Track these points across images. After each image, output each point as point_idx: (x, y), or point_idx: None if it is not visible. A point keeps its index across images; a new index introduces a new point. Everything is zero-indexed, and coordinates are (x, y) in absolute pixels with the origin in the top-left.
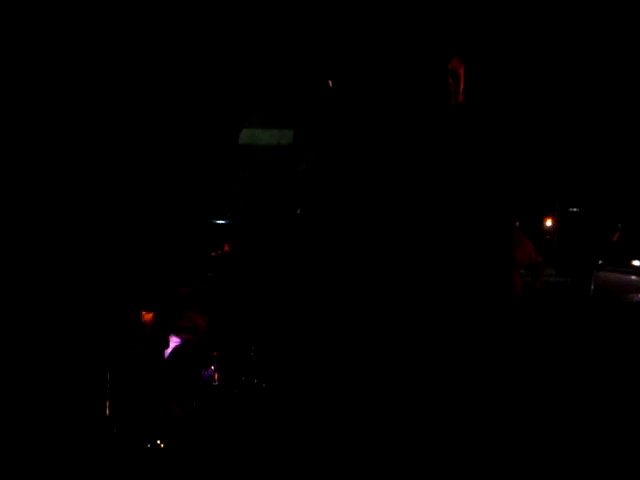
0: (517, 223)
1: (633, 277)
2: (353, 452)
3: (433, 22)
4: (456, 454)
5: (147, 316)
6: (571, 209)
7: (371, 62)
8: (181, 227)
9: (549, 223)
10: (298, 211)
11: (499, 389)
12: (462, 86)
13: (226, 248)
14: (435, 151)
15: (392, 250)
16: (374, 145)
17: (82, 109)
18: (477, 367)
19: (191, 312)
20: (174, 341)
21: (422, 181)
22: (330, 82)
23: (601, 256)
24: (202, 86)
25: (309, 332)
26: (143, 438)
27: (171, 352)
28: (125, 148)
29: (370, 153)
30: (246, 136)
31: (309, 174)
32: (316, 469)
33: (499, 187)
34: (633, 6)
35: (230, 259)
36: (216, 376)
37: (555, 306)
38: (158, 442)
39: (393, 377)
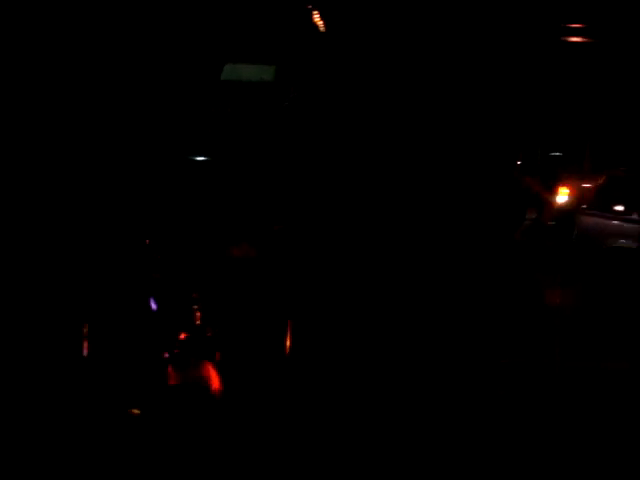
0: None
1: (615, 222)
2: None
3: None
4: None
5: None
6: (553, 153)
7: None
8: (161, 163)
9: None
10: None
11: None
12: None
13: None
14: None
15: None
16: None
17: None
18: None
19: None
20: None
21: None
22: (315, 13)
23: (585, 201)
24: (182, 20)
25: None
26: (125, 381)
27: (155, 292)
28: (105, 83)
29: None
30: (228, 71)
31: (292, 111)
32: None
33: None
34: None
35: (209, 195)
36: (198, 315)
37: (537, 249)
38: (141, 383)
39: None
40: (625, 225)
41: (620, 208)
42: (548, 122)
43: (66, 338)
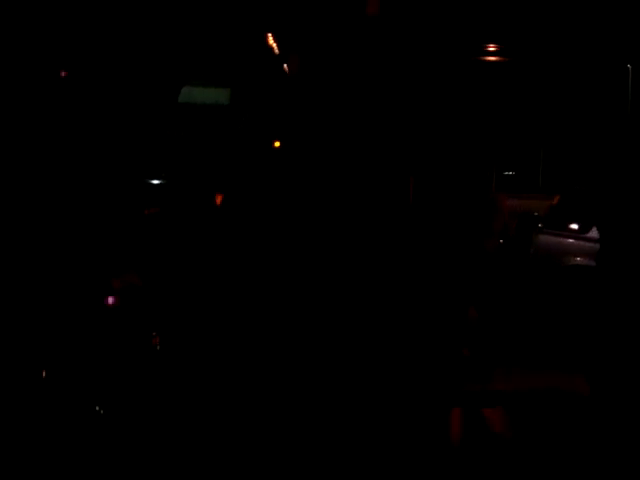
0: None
1: (571, 240)
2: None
3: None
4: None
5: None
6: (506, 172)
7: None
8: (116, 186)
9: None
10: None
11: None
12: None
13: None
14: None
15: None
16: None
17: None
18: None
19: (126, 271)
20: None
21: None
22: (272, 39)
23: (541, 219)
24: (138, 42)
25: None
26: (82, 403)
27: (109, 314)
28: (58, 104)
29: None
30: (183, 94)
31: (247, 133)
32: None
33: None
34: None
35: (165, 218)
36: (157, 341)
37: (493, 266)
38: (97, 408)
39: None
40: (581, 243)
41: (575, 226)
42: (502, 142)
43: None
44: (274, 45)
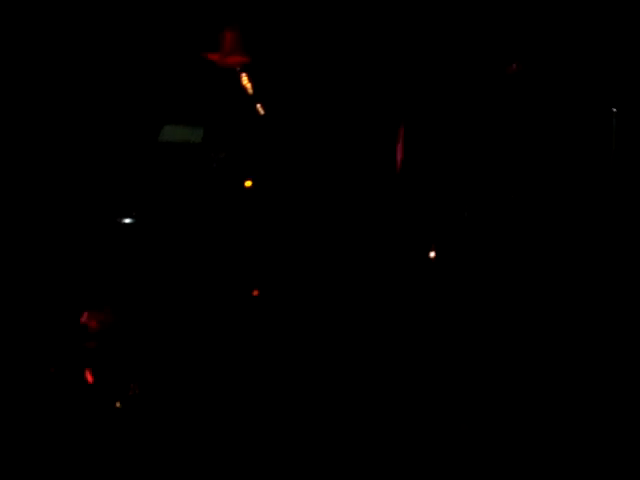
0: None
1: None
2: None
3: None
4: None
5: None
6: None
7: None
8: (86, 227)
9: None
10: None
11: None
12: None
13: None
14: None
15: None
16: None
17: None
18: None
19: (99, 313)
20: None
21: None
22: (242, 74)
23: None
24: (116, 80)
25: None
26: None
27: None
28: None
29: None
30: (162, 133)
31: (221, 173)
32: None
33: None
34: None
35: (140, 260)
36: (133, 387)
37: None
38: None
39: None
40: None
41: None
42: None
43: None
44: (248, 85)
